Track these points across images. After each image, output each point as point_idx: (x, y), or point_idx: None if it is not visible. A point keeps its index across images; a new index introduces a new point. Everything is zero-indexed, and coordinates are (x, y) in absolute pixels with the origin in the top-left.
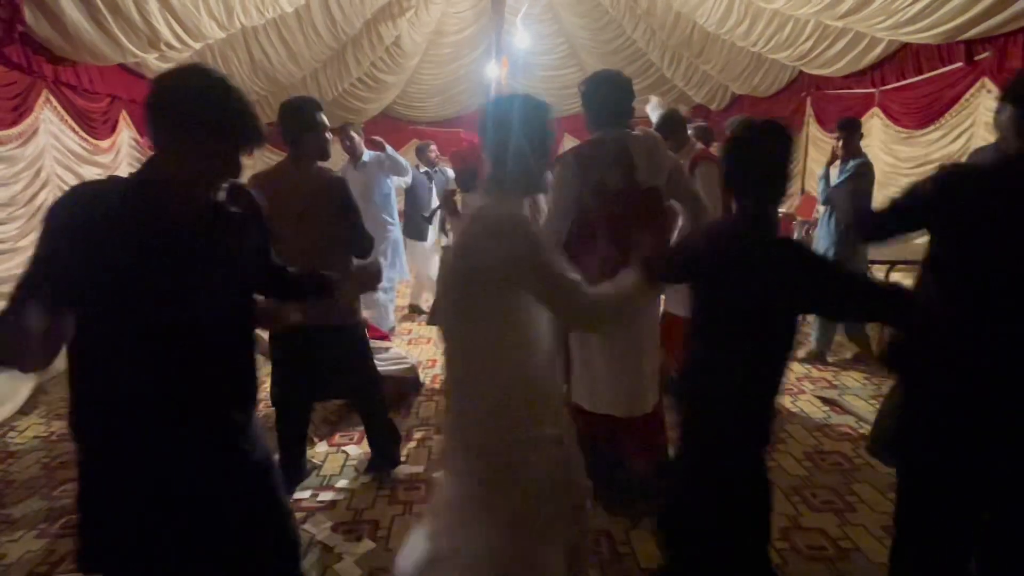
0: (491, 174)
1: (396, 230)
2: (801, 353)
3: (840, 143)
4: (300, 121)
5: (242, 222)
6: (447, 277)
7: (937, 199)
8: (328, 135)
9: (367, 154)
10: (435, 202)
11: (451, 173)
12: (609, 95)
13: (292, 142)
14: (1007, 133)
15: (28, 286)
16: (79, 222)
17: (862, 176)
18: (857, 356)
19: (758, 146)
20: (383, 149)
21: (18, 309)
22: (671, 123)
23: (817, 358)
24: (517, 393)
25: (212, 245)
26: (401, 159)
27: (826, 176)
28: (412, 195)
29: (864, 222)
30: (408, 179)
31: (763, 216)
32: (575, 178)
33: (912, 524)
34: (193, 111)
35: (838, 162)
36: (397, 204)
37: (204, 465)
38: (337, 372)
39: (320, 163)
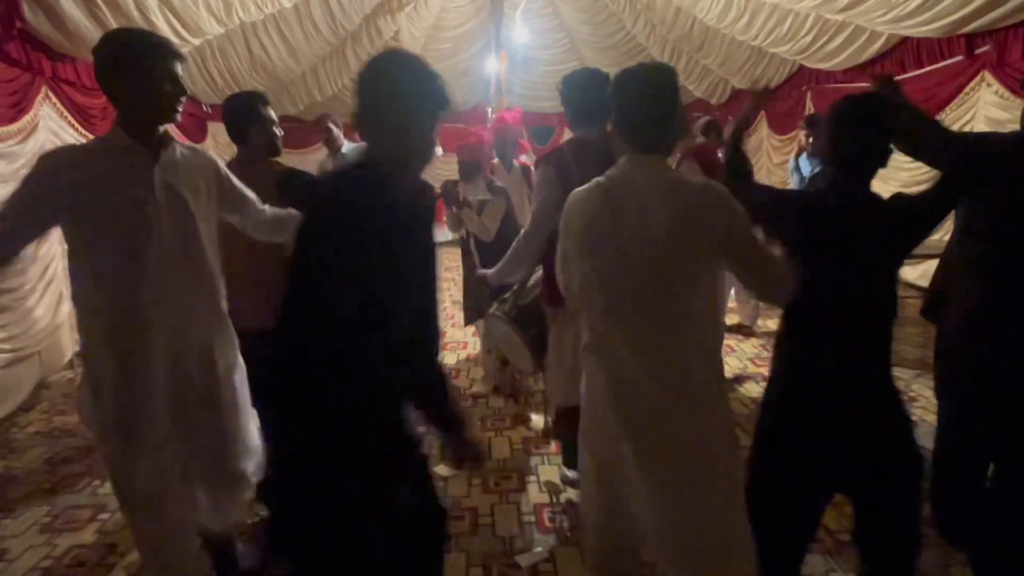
0: (636, 138)
1: None
2: (728, 321)
3: (809, 139)
4: (244, 116)
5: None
6: (643, 250)
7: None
8: (277, 130)
9: (347, 145)
10: None
11: None
12: (588, 94)
13: (239, 139)
14: None
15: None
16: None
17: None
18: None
19: (860, 119)
20: None
21: None
22: None
23: (742, 329)
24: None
25: (418, 230)
26: None
27: (798, 167)
28: None
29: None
30: None
31: (867, 187)
32: (557, 179)
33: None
34: (415, 92)
35: (804, 154)
36: None
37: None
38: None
39: (274, 158)
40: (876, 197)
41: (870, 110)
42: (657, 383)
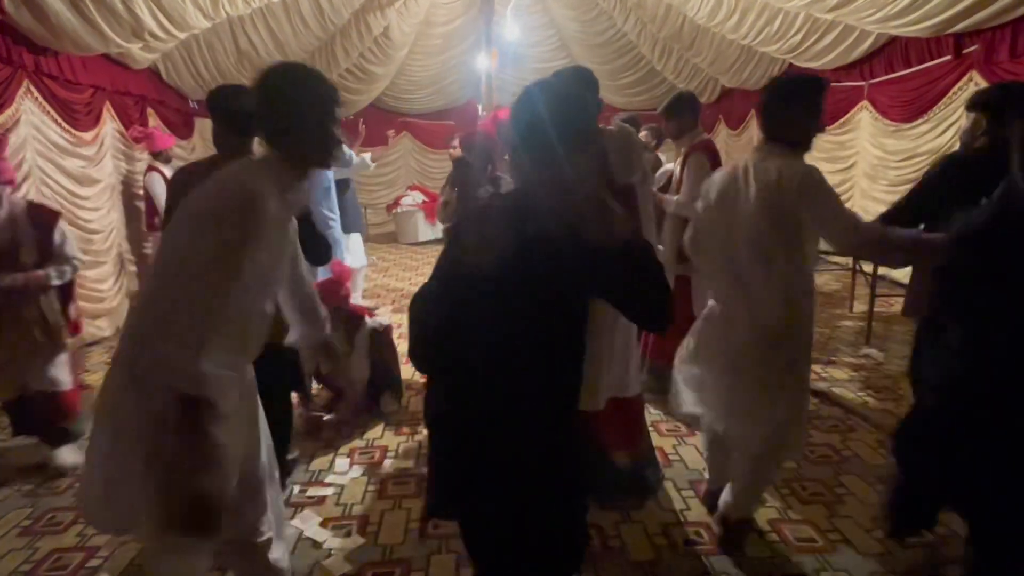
0: (768, 130)
1: (337, 228)
2: None
3: None
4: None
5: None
6: (753, 218)
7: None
8: None
9: None
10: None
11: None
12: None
13: (243, 134)
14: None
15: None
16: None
17: None
18: None
19: None
20: None
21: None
22: (677, 106)
23: None
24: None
25: (577, 255)
26: (344, 147)
27: None
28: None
29: None
30: (352, 170)
31: None
32: None
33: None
34: (561, 122)
35: None
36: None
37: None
38: None
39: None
40: None
41: None
42: (750, 310)
